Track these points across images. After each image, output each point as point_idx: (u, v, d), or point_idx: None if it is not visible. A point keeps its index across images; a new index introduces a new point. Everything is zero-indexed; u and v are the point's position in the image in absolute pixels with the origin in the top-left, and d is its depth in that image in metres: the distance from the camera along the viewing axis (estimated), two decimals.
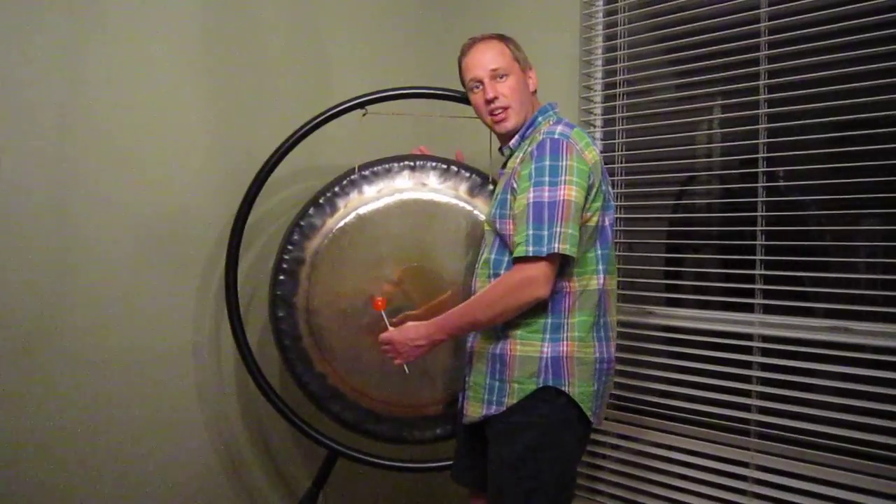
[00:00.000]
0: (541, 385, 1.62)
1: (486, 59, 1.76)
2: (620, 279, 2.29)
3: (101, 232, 2.07)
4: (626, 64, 2.30)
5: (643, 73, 2.26)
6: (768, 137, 1.99)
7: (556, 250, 1.55)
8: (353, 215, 2.05)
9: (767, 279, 2.00)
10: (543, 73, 2.45)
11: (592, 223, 1.64)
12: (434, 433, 2.12)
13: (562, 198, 1.56)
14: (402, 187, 2.07)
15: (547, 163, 1.59)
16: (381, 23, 2.63)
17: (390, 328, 1.79)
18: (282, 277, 2.05)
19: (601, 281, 1.67)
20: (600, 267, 1.67)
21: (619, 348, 2.29)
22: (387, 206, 2.06)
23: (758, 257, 2.00)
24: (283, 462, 2.46)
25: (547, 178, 1.58)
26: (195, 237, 2.23)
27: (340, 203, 2.07)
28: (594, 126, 2.38)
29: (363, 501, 2.65)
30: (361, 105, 2.06)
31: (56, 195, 2.00)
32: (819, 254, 1.94)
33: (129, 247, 2.12)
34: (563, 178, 1.57)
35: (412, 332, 1.73)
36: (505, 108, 1.74)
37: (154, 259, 2.16)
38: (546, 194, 1.57)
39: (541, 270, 1.57)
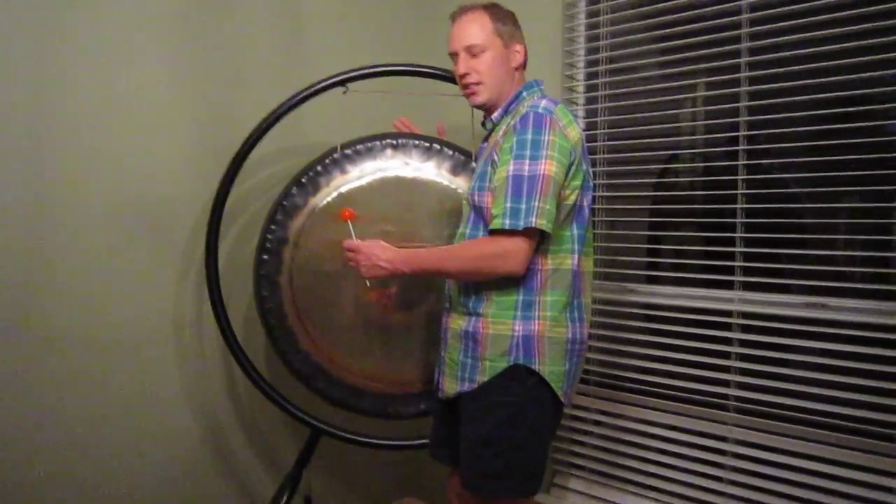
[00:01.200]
0: (511, 363, 1.63)
1: (465, 34, 1.72)
2: (602, 257, 2.32)
3: (79, 215, 2.04)
4: (609, 41, 2.29)
5: (625, 51, 2.26)
6: (749, 115, 2.00)
7: (532, 224, 1.53)
8: (335, 194, 2.05)
9: (747, 256, 2.02)
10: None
11: (570, 201, 1.63)
12: (417, 408, 2.14)
13: (542, 172, 1.54)
14: (385, 166, 2.07)
15: (529, 136, 1.57)
16: (362, 1, 2.60)
17: (358, 242, 1.75)
18: (265, 257, 2.05)
19: (575, 261, 1.66)
20: (575, 247, 1.66)
21: (602, 326, 2.32)
22: (369, 184, 2.06)
23: (738, 234, 2.02)
24: (270, 441, 2.47)
25: (528, 152, 1.56)
26: (176, 218, 2.21)
27: (323, 182, 2.06)
28: (577, 104, 2.38)
29: (349, 479, 2.67)
30: (342, 83, 2.04)
31: (32, 182, 1.96)
32: (798, 231, 1.96)
33: (109, 230, 2.09)
34: (544, 152, 1.55)
35: (378, 250, 1.71)
36: (476, 84, 1.72)
37: (134, 242, 2.14)
38: (526, 168, 1.55)
39: (518, 245, 1.56)
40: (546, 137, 1.57)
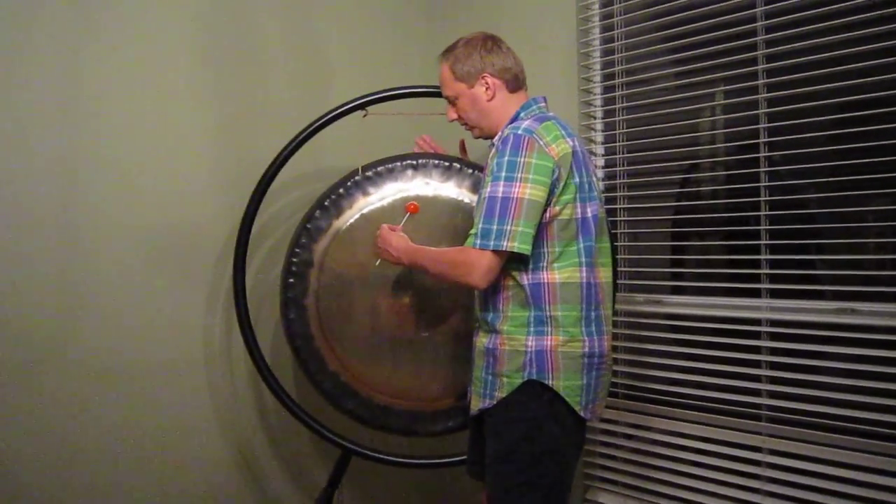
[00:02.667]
0: (526, 379, 1.64)
1: (440, 86, 1.84)
2: (627, 269, 2.31)
3: (107, 245, 2.09)
4: (624, 55, 2.30)
5: (641, 63, 2.27)
6: (769, 122, 1.99)
7: (502, 247, 1.58)
8: (358, 215, 2.07)
9: (773, 264, 2.00)
10: (541, 67, 2.46)
11: (566, 216, 1.65)
12: (445, 426, 2.15)
13: (515, 195, 1.58)
14: (406, 186, 2.09)
15: (506, 159, 1.61)
16: (378, 23, 2.64)
17: (400, 227, 1.90)
18: (291, 280, 2.07)
19: (584, 274, 1.67)
20: (583, 259, 1.67)
21: (629, 338, 2.30)
22: (391, 204, 2.08)
23: (763, 242, 2.00)
24: (301, 463, 2.48)
25: (504, 174, 1.60)
26: (201, 245, 2.25)
27: (345, 204, 2.09)
28: (594, 118, 2.39)
29: (379, 498, 2.67)
30: (362, 106, 2.08)
31: (62, 211, 2.02)
32: (824, 236, 1.94)
33: (137, 258, 2.14)
34: (519, 174, 1.59)
35: (394, 239, 1.84)
36: (465, 125, 1.84)
37: (162, 269, 2.18)
38: (501, 189, 1.59)
39: (482, 262, 1.60)
40: (522, 160, 1.60)
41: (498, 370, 1.68)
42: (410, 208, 1.96)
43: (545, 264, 1.65)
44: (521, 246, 1.58)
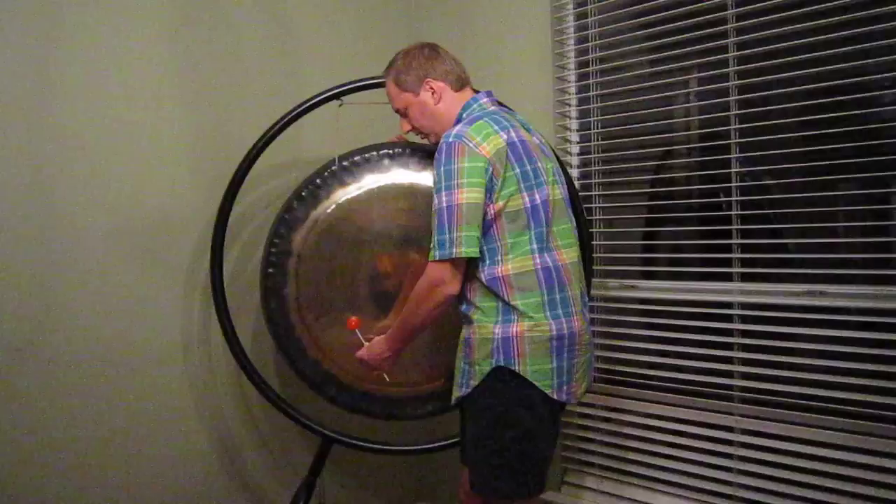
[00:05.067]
0: (494, 366, 1.68)
1: (390, 100, 1.91)
2: (602, 255, 2.34)
3: (81, 235, 2.07)
4: (598, 42, 2.32)
5: (615, 51, 2.29)
6: (740, 109, 2.03)
7: (453, 255, 1.64)
8: (335, 205, 2.08)
9: (744, 248, 2.04)
10: (516, 55, 2.49)
11: (513, 207, 1.68)
12: (425, 409, 2.17)
13: (455, 202, 1.64)
14: (383, 175, 2.10)
15: (442, 168, 1.67)
16: (352, 13, 2.64)
17: (365, 343, 1.92)
18: (271, 270, 2.08)
19: (538, 260, 1.69)
20: (534, 246, 1.69)
21: (604, 323, 2.34)
22: (368, 192, 2.09)
23: (734, 227, 2.04)
24: (283, 451, 2.50)
25: (443, 184, 1.66)
26: (178, 236, 2.24)
27: (323, 194, 2.09)
28: (569, 105, 2.41)
29: (363, 485, 2.70)
30: (337, 96, 2.08)
31: (34, 206, 1.99)
32: (793, 221, 1.98)
33: (112, 250, 2.12)
34: (455, 181, 1.65)
35: (377, 346, 1.87)
36: (420, 133, 1.91)
37: (139, 261, 2.17)
38: (444, 200, 1.65)
39: (444, 272, 1.67)
40: (455, 166, 1.65)
41: (471, 359, 1.72)
42: (352, 324, 1.99)
43: (499, 258, 1.69)
44: (468, 250, 1.65)
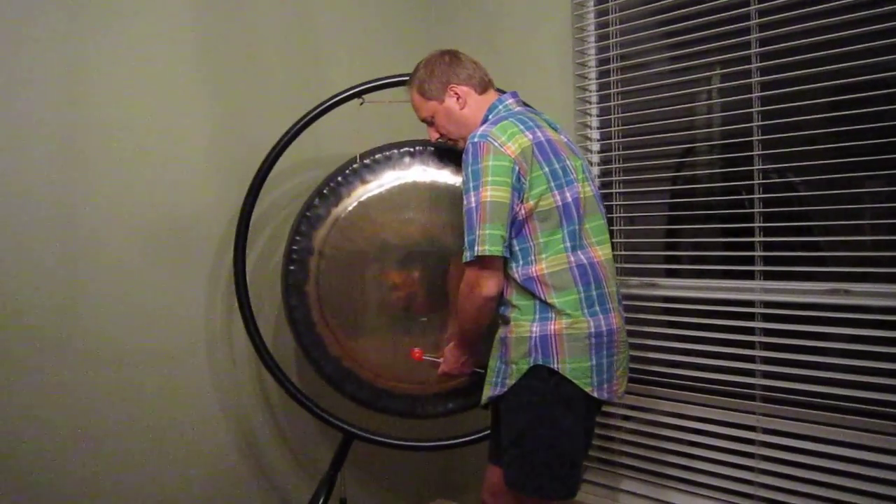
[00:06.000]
0: (532, 364, 1.66)
1: (415, 110, 1.93)
2: (622, 253, 2.33)
3: (107, 234, 2.10)
4: (619, 39, 2.31)
5: (636, 48, 2.28)
6: (763, 106, 2.01)
7: (478, 254, 1.64)
8: (356, 203, 2.09)
9: (766, 246, 2.03)
10: (536, 54, 2.49)
11: (544, 206, 1.67)
12: (445, 407, 2.18)
13: (479, 201, 1.64)
14: (404, 173, 2.11)
15: (469, 169, 1.67)
16: (373, 11, 2.65)
17: (441, 363, 1.97)
18: (292, 267, 2.10)
19: (572, 257, 1.69)
20: (568, 244, 1.69)
21: (627, 321, 2.33)
22: (389, 191, 2.10)
23: (756, 224, 2.03)
24: (304, 447, 2.52)
25: (471, 184, 1.66)
26: (202, 234, 2.27)
27: (344, 192, 2.11)
28: (590, 103, 2.40)
29: (383, 481, 2.71)
30: (358, 94, 2.10)
31: (61, 200, 2.02)
32: (817, 218, 1.96)
33: (137, 247, 2.15)
34: (481, 180, 1.64)
35: (452, 357, 1.92)
36: (448, 139, 1.92)
37: (163, 258, 2.20)
38: (473, 200, 1.65)
39: (476, 273, 1.67)
40: (481, 165, 1.65)
41: (508, 358, 1.71)
42: (417, 355, 2.02)
43: (532, 258, 1.68)
44: (491, 248, 1.63)
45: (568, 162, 1.73)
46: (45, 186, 2.00)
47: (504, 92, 1.88)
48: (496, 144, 1.66)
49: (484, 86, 1.87)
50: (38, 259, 1.99)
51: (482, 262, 1.66)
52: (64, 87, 2.02)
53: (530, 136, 1.69)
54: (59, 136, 2.02)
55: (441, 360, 1.96)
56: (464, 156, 1.70)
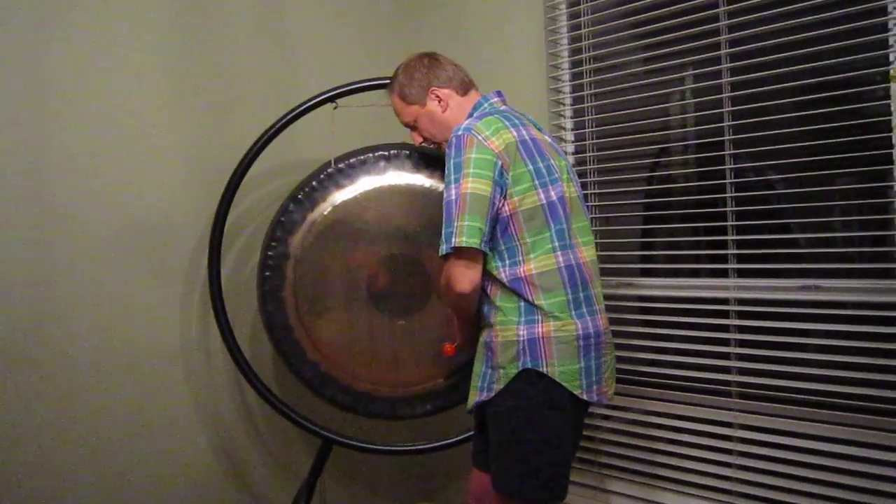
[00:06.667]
0: (521, 368, 1.64)
1: (396, 115, 1.92)
2: (599, 253, 2.34)
3: (80, 244, 2.08)
4: (592, 41, 2.33)
5: (608, 50, 2.30)
6: (733, 105, 2.03)
7: (455, 244, 1.59)
8: (332, 207, 2.09)
9: (740, 244, 2.05)
10: (509, 55, 2.49)
11: (528, 205, 1.65)
12: (424, 408, 2.18)
13: (459, 193, 1.61)
14: (379, 177, 2.11)
15: (451, 161, 1.65)
16: (345, 16, 2.65)
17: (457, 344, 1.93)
18: (268, 273, 2.09)
19: (560, 258, 1.67)
20: (556, 244, 1.67)
21: None
22: (365, 194, 2.10)
23: (729, 223, 2.05)
24: (283, 453, 2.50)
25: (452, 177, 1.64)
26: (176, 241, 2.26)
27: (319, 197, 2.11)
28: (563, 104, 2.41)
29: (364, 486, 2.70)
30: (331, 99, 2.10)
31: (33, 212, 2.01)
32: (788, 216, 1.99)
33: (111, 256, 2.13)
34: (462, 172, 1.62)
35: (461, 334, 1.89)
36: (431, 142, 1.90)
37: (137, 266, 2.18)
38: (452, 192, 1.63)
39: (453, 268, 1.64)
40: (463, 157, 1.63)
41: (495, 362, 1.68)
42: (450, 350, 1.95)
43: (520, 258, 1.66)
44: (469, 240, 1.59)
45: (552, 161, 1.72)
46: (16, 197, 1.98)
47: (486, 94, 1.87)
48: (480, 138, 1.64)
49: (465, 87, 1.86)
50: (10, 270, 1.97)
51: (458, 253, 1.62)
52: (33, 95, 2.00)
53: (515, 133, 1.68)
54: (28, 145, 2.00)
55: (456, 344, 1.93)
56: (447, 149, 1.68)
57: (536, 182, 1.67)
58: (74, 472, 2.07)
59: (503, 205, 1.64)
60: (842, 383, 1.87)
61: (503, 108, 1.81)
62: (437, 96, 1.83)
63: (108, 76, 2.12)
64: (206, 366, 2.33)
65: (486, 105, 1.82)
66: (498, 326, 1.68)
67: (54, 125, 2.04)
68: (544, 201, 1.67)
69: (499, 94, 1.85)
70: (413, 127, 1.90)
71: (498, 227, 1.66)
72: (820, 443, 1.90)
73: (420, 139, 1.91)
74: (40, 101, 2.01)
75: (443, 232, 1.63)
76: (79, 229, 2.08)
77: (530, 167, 1.67)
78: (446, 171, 1.66)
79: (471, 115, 1.81)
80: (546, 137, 1.80)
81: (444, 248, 1.63)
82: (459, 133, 1.66)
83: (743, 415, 2.04)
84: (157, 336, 2.23)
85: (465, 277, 1.64)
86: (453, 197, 1.62)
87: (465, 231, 1.60)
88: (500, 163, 1.63)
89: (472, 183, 1.61)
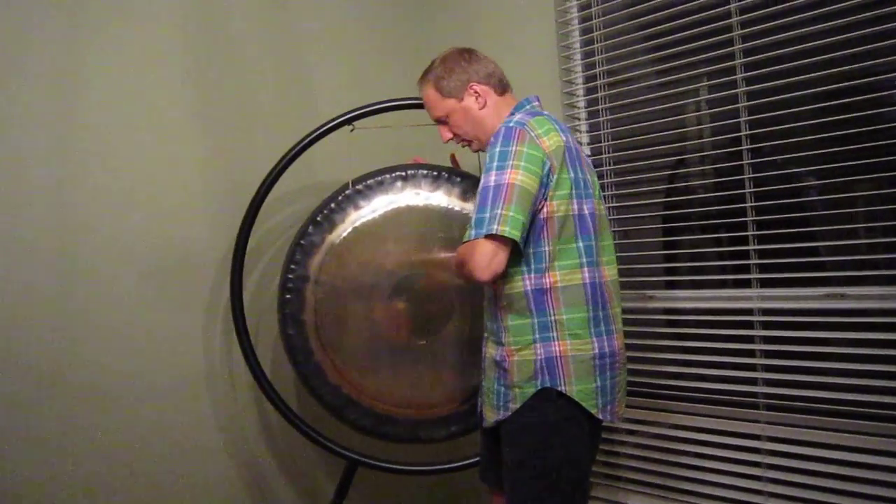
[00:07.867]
0: (539, 388, 1.62)
1: (427, 109, 1.84)
2: (620, 266, 2.33)
3: (105, 270, 2.11)
4: (605, 55, 2.33)
5: (622, 63, 2.30)
6: (750, 115, 2.02)
7: (494, 231, 1.51)
8: (351, 229, 2.10)
9: (761, 254, 2.03)
10: (523, 71, 2.49)
11: (562, 212, 1.61)
12: (448, 431, 2.17)
13: (506, 181, 1.53)
14: (396, 198, 2.12)
15: (497, 149, 1.58)
16: (360, 38, 2.67)
17: None
18: (288, 296, 2.10)
19: (586, 274, 1.64)
20: (584, 259, 1.64)
21: (626, 335, 2.32)
22: (384, 216, 2.10)
23: (750, 233, 2.03)
24: (308, 476, 2.50)
25: (496, 164, 1.57)
26: (198, 265, 2.27)
27: (338, 218, 2.11)
28: (578, 119, 2.42)
29: None
30: (349, 121, 2.11)
31: (58, 237, 2.04)
32: (810, 224, 1.97)
33: (135, 281, 2.16)
34: (510, 162, 1.55)
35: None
36: (462, 140, 1.83)
37: (160, 290, 2.20)
38: (493, 179, 1.55)
39: (479, 251, 1.53)
40: (513, 148, 1.57)
41: (509, 382, 1.65)
42: None
43: (546, 265, 1.62)
44: (512, 231, 1.52)
45: (588, 176, 1.70)
46: (42, 222, 2.02)
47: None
48: (532, 135, 1.59)
49: (503, 87, 1.80)
50: (35, 295, 2.00)
51: (496, 242, 1.53)
52: (58, 121, 2.04)
53: (564, 138, 1.65)
54: (54, 171, 2.04)
55: None
56: (493, 138, 1.61)
57: (574, 192, 1.63)
58: (94, 498, 2.07)
59: (542, 206, 1.60)
60: (873, 392, 1.84)
61: (546, 112, 1.76)
62: (476, 92, 1.76)
63: (130, 104, 2.16)
64: (230, 389, 2.34)
65: (528, 107, 1.76)
66: (511, 347, 1.66)
67: (78, 154, 2.08)
68: (576, 212, 1.63)
69: (538, 98, 1.81)
70: (443, 122, 1.82)
71: (532, 229, 1.60)
72: (854, 454, 1.87)
73: (449, 135, 1.83)
74: (66, 131, 2.06)
75: (476, 215, 1.55)
76: (103, 256, 2.11)
77: (572, 175, 1.63)
78: (489, 157, 1.58)
79: (512, 115, 1.74)
80: (583, 151, 1.78)
81: (474, 233, 1.53)
82: (511, 125, 1.61)
83: (772, 427, 2.01)
84: (181, 360, 2.24)
85: (489, 267, 1.54)
86: (493, 183, 1.54)
87: (510, 221, 1.52)
88: (549, 163, 1.59)
89: (522, 176, 1.54)
